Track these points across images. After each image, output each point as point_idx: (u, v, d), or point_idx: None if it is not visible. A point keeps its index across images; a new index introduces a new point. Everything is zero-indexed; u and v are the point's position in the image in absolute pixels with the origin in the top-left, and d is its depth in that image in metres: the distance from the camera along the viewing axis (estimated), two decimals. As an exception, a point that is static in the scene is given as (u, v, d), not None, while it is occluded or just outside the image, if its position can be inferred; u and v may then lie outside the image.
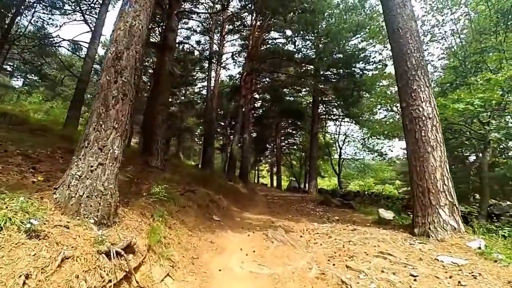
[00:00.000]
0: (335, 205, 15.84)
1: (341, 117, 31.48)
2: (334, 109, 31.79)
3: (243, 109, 24.67)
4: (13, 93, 33.66)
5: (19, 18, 20.09)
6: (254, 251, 5.82)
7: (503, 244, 6.12)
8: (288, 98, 28.87)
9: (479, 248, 5.74)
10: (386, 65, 22.58)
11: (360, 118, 26.69)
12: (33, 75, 40.16)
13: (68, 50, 22.42)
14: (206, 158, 23.15)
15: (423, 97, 7.72)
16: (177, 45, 26.28)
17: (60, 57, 25.68)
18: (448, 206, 6.89)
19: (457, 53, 15.06)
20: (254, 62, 22.65)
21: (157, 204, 5.99)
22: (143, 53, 5.72)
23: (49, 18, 21.49)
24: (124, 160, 10.30)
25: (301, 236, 7.43)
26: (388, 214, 9.63)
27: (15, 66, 38.23)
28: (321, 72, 21.88)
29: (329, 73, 22.70)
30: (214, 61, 24.62)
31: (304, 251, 6.03)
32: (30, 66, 27.49)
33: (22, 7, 19.28)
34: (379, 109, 23.48)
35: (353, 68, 21.91)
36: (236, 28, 26.23)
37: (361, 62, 22.53)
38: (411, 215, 9.20)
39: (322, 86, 24.44)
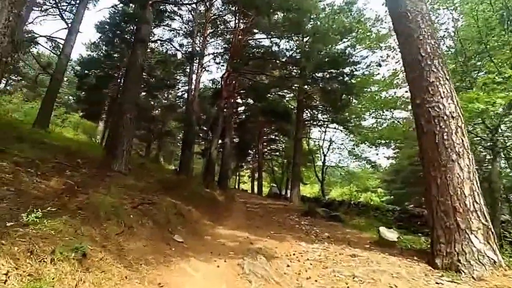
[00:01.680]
0: (321, 216, 14.26)
1: (326, 123, 30.32)
2: (319, 115, 30.62)
3: (224, 112, 23.20)
4: None
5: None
6: (222, 302, 4.03)
7: None
8: (273, 99, 27.11)
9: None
10: (380, 65, 21.44)
11: (349, 123, 25.41)
12: (14, 75, 39.03)
13: (45, 47, 21.20)
14: (183, 162, 21.52)
15: (443, 92, 6.16)
16: (156, 43, 25.24)
17: (34, 54, 24.20)
18: (482, 231, 5.30)
19: (459, 52, 13.76)
20: (236, 61, 21.08)
21: (83, 226, 4.21)
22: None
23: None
24: (81, 163, 8.66)
25: (288, 266, 5.67)
26: (391, 235, 8.01)
27: None
28: (308, 73, 20.33)
29: (317, 75, 21.27)
30: (195, 61, 23.20)
31: (296, 297, 4.35)
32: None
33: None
34: (370, 115, 22.29)
35: (342, 70, 20.53)
36: (219, 31, 25.16)
37: (350, 65, 21.27)
38: (421, 235, 7.74)
39: (309, 88, 23.03)
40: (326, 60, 19.42)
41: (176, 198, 9.54)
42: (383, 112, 19.74)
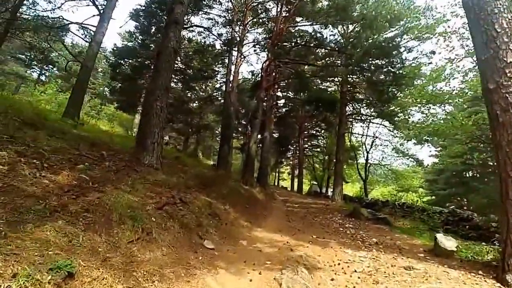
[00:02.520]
0: (366, 218, 13.30)
1: (370, 117, 29.09)
2: (362, 109, 29.20)
3: (264, 105, 22.47)
4: (28, 84, 33.58)
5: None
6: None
7: None
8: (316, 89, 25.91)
9: None
10: (434, 53, 20.04)
11: (396, 118, 24.06)
12: (49, 66, 39.90)
13: (77, 35, 21.40)
14: (221, 157, 20.95)
15: (524, 75, 5.13)
16: (193, 33, 24.88)
17: (65, 42, 24.34)
18: None
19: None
20: (278, 48, 20.25)
21: (85, 234, 3.48)
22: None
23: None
24: (106, 156, 8.06)
25: (332, 279, 4.83)
26: (449, 243, 6.98)
27: (31, 56, 37.37)
28: (354, 62, 19.11)
29: (363, 65, 19.99)
30: (234, 50, 22.70)
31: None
32: (36, 52, 26.75)
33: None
34: (419, 109, 21.01)
35: (391, 59, 19.13)
36: (260, 19, 24.34)
37: (400, 54, 19.81)
38: (482, 244, 6.75)
39: (353, 79, 21.93)
40: (374, 48, 18.19)
41: (212, 196, 8.83)
42: (433, 106, 18.57)
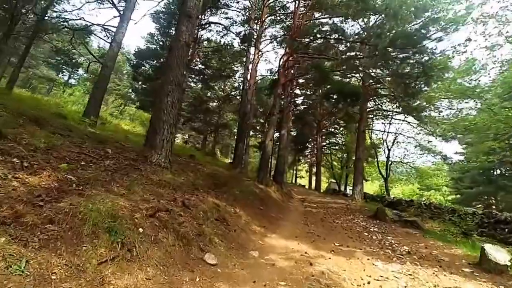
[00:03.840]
0: (392, 220, 12.32)
1: (393, 113, 28.15)
2: (384, 105, 28.14)
3: (281, 102, 21.81)
4: (59, 87, 35.33)
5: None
6: None
7: None
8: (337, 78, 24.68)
9: None
10: (470, 40, 18.64)
11: (423, 113, 22.74)
12: (76, 68, 40.87)
13: (99, 37, 22.20)
14: (237, 155, 20.33)
15: None
16: (211, 32, 24.79)
17: (87, 44, 24.93)
18: None
19: None
20: (296, 43, 19.25)
21: (38, 254, 2.53)
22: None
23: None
24: (110, 153, 7.22)
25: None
26: (501, 256, 5.90)
27: (60, 60, 37.99)
28: (380, 52, 17.78)
29: (388, 56, 18.70)
30: (252, 46, 22.29)
31: None
32: (62, 55, 27.60)
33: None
34: (451, 104, 19.80)
35: (420, 48, 17.51)
36: (277, 15, 24.29)
37: (431, 41, 18.40)
38: None
39: (377, 71, 20.81)
40: (400, 37, 16.75)
41: (222, 197, 7.92)
42: (466, 100, 17.43)
